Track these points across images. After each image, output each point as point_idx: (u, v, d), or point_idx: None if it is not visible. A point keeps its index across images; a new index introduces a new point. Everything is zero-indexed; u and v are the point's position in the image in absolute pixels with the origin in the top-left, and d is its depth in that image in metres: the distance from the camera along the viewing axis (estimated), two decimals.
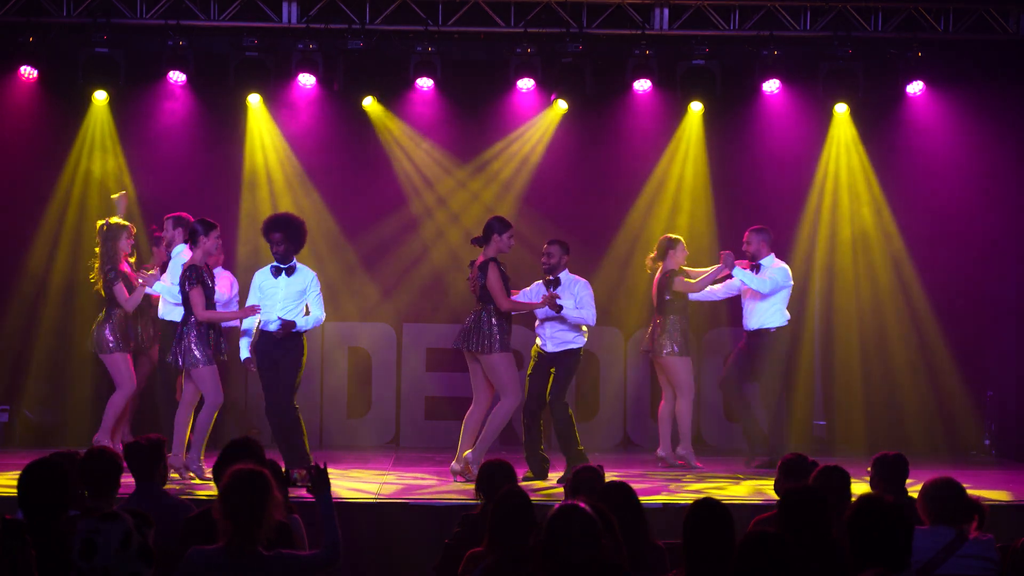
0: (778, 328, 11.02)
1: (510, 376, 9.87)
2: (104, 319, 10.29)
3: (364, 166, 12.70)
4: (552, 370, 10.25)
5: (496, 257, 9.89)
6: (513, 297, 10.08)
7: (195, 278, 9.50)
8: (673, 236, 11.03)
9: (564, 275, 10.32)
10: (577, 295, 10.22)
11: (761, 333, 10.99)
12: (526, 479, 9.96)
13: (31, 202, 12.09)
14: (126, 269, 10.32)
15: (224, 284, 10.42)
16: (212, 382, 9.58)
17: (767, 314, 10.98)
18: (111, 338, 10.24)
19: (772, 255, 11.03)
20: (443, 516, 8.38)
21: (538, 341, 10.38)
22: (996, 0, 11.72)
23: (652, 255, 11.00)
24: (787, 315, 11.07)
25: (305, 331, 9.65)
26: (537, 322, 10.40)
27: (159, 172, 12.42)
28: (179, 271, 9.81)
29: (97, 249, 10.36)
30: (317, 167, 12.63)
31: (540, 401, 10.23)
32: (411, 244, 12.65)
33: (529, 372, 10.37)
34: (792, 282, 11.06)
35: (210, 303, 9.58)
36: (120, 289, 10.22)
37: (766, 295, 10.90)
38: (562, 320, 10.18)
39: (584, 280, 10.40)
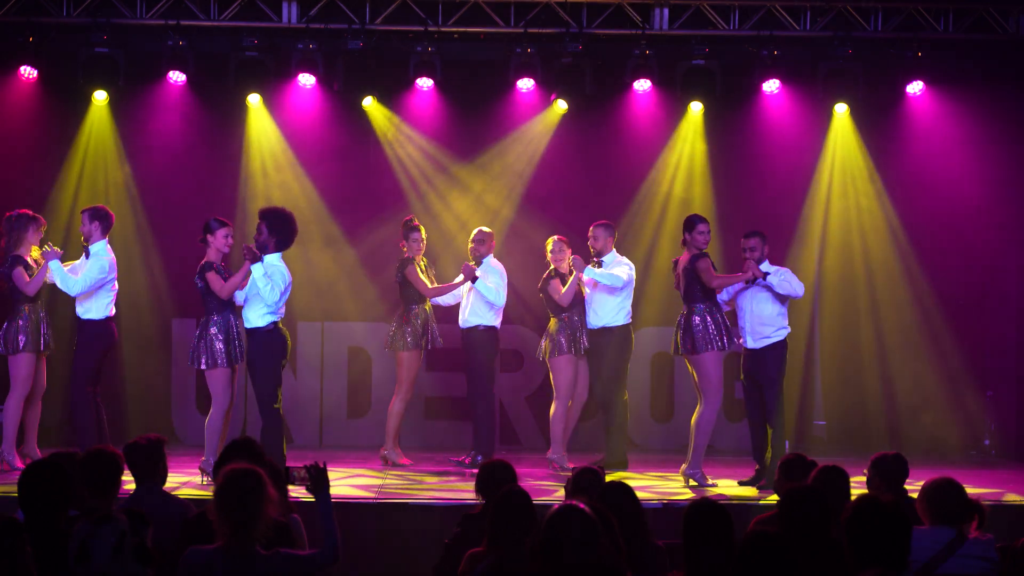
0: (620, 327, 10.84)
1: (716, 377, 9.81)
2: (14, 316, 10.00)
3: (364, 166, 12.70)
4: (755, 372, 10.13)
5: (703, 251, 9.91)
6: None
7: (205, 269, 9.59)
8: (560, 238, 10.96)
9: (764, 265, 10.10)
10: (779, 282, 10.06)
11: (604, 332, 10.82)
12: (742, 483, 9.99)
13: (30, 202, 12.05)
14: (28, 260, 10.04)
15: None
16: (223, 385, 9.62)
17: (611, 312, 10.80)
18: (22, 337, 9.95)
19: (615, 251, 10.89)
20: (443, 516, 8.39)
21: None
22: (996, 0, 11.73)
23: (569, 252, 10.92)
24: (630, 314, 10.89)
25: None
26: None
27: (159, 172, 12.45)
28: (96, 266, 9.86)
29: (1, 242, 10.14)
30: (317, 167, 12.63)
31: (758, 407, 10.13)
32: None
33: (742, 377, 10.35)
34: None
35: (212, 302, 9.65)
36: (19, 273, 9.94)
37: (612, 293, 10.74)
38: (761, 311, 10.04)
39: (785, 269, 10.28)
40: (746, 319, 10.18)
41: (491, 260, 11.08)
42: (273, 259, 9.68)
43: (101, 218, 10.10)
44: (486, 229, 11.20)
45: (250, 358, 9.68)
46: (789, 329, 10.26)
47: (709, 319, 9.79)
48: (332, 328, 12.64)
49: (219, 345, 9.57)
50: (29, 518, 5.38)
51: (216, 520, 5.10)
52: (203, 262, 9.65)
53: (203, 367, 9.62)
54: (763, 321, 10.08)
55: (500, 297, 10.92)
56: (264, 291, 9.52)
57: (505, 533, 5.33)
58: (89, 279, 9.95)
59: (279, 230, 9.71)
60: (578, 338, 10.74)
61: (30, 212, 10.20)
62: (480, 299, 10.93)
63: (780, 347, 10.14)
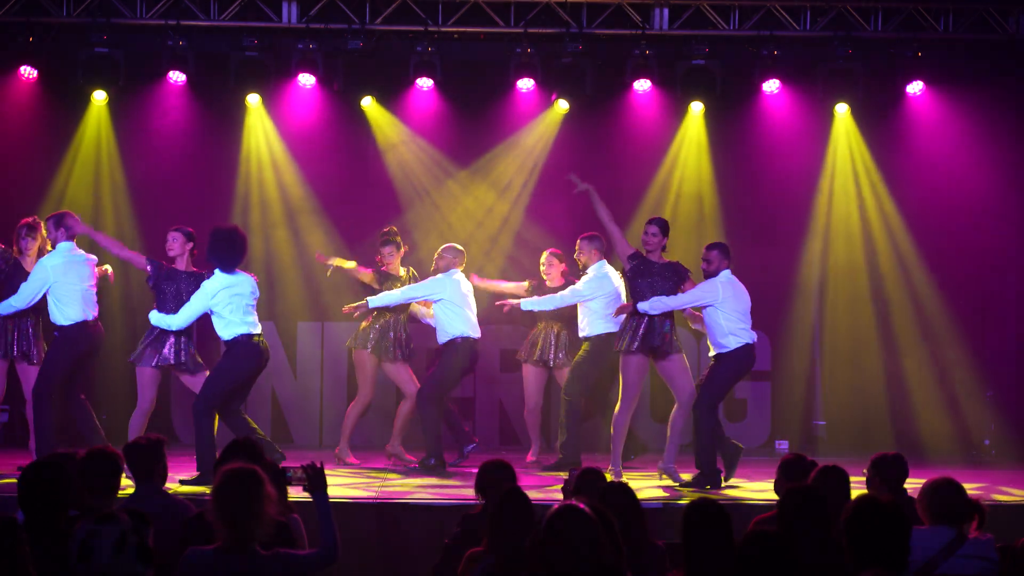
0: (600, 336, 10.67)
1: (630, 381, 9.88)
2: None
3: (363, 166, 12.70)
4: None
5: (638, 251, 10.02)
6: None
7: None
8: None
9: (724, 274, 9.89)
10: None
11: (590, 340, 10.76)
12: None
13: (30, 202, 12.08)
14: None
15: None
16: (141, 384, 9.89)
17: (591, 322, 10.70)
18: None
19: (603, 261, 10.75)
20: (443, 516, 8.38)
21: None
22: (996, 0, 11.73)
23: (564, 268, 11.09)
24: (611, 323, 10.54)
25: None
26: None
27: (158, 172, 12.45)
28: (35, 275, 9.82)
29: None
30: (316, 167, 12.63)
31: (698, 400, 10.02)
32: (411, 244, 12.63)
33: None
34: (612, 288, 10.64)
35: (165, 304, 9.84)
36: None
37: (588, 302, 10.69)
38: (712, 322, 9.88)
39: (721, 283, 9.93)
40: (706, 330, 10.14)
41: (453, 273, 10.83)
42: (214, 279, 9.62)
43: (65, 224, 9.93)
44: (457, 247, 10.95)
45: (218, 363, 9.83)
46: (746, 340, 9.83)
47: (628, 321, 9.85)
48: (332, 328, 12.63)
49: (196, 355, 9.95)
50: (29, 518, 5.39)
51: (214, 520, 5.10)
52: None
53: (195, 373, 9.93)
54: (713, 332, 9.90)
55: (394, 298, 10.75)
56: (190, 304, 9.64)
57: (505, 533, 5.33)
58: (26, 289, 9.83)
59: (216, 249, 9.63)
60: (546, 350, 11.02)
61: (30, 220, 10.18)
62: (443, 314, 10.80)
63: (730, 356, 9.85)
